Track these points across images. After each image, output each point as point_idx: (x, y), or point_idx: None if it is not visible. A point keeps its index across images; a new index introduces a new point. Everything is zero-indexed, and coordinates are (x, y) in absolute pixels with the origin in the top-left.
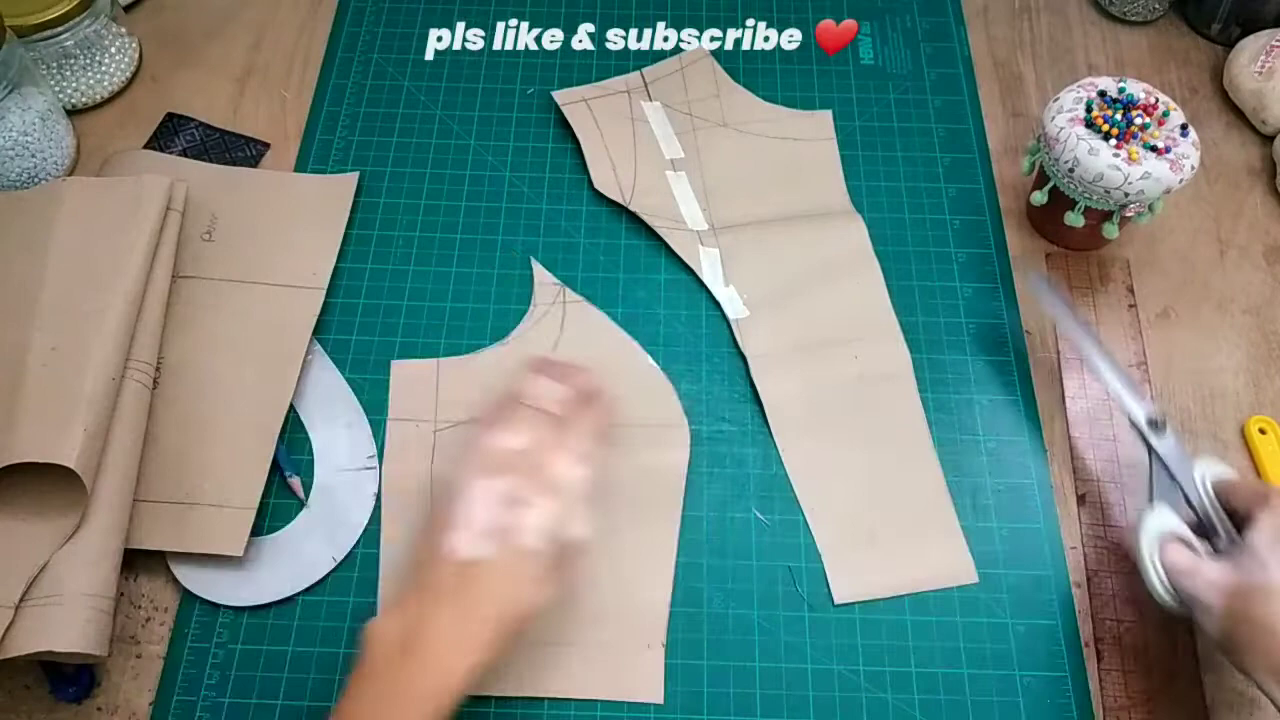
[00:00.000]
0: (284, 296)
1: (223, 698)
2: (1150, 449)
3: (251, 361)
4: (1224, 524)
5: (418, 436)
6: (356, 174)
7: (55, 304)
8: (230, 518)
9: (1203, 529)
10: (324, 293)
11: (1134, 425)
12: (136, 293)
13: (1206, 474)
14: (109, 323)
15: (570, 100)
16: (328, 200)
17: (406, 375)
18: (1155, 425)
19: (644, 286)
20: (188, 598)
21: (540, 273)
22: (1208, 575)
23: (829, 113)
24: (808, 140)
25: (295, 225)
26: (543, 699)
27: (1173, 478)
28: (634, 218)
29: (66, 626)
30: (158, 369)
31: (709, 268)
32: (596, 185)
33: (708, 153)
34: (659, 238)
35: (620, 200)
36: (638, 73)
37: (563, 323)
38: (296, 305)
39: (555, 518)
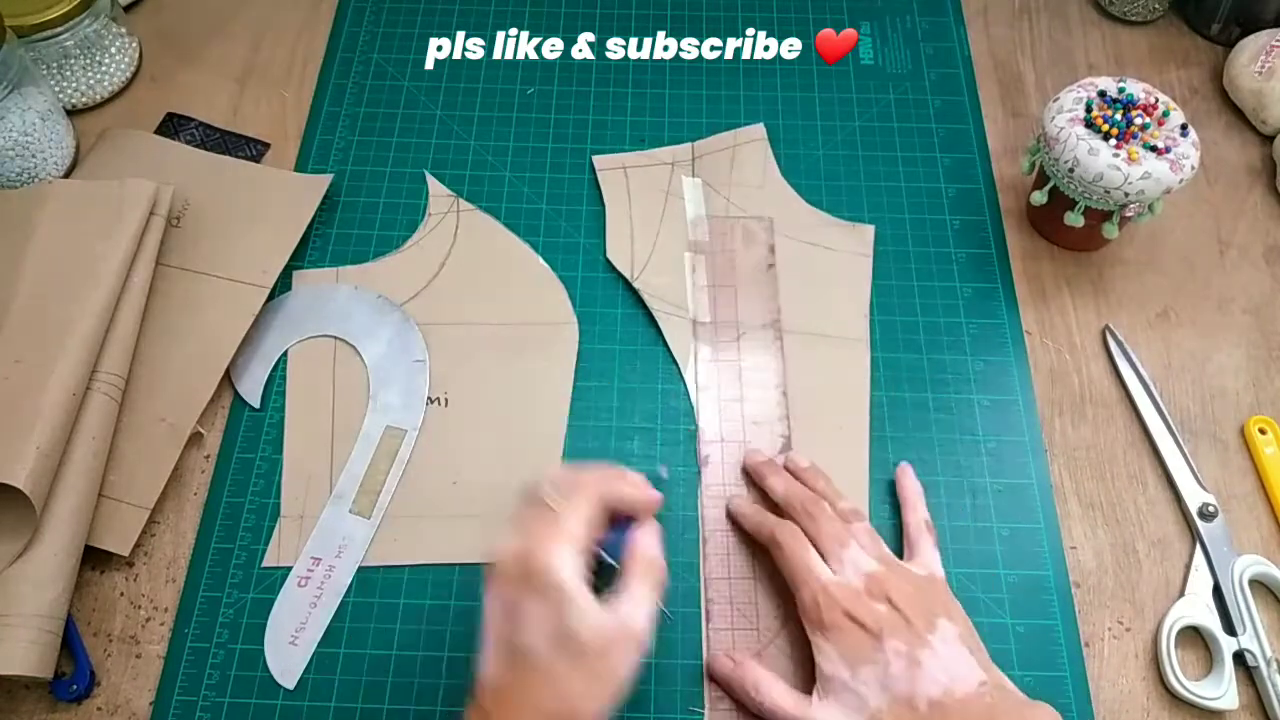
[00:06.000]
0: (230, 291)
1: (223, 698)
2: (1196, 536)
3: (179, 357)
4: (1254, 622)
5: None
6: (330, 176)
7: (25, 314)
8: (125, 513)
9: (1229, 624)
10: (267, 291)
11: (1183, 510)
12: (109, 303)
13: (1247, 570)
14: (76, 335)
15: (609, 166)
16: (296, 199)
17: (309, 281)
18: (1206, 514)
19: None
20: (188, 597)
21: (434, 185)
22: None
23: (871, 228)
24: (843, 252)
25: (258, 220)
26: (452, 565)
27: (1211, 567)
28: None
29: (11, 648)
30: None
31: (692, 365)
32: (609, 255)
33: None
34: None
35: (627, 275)
36: (689, 145)
37: (456, 230)
38: (238, 303)
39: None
